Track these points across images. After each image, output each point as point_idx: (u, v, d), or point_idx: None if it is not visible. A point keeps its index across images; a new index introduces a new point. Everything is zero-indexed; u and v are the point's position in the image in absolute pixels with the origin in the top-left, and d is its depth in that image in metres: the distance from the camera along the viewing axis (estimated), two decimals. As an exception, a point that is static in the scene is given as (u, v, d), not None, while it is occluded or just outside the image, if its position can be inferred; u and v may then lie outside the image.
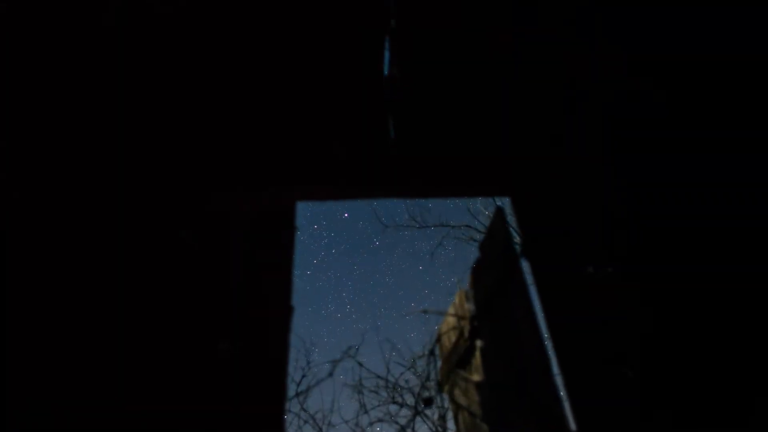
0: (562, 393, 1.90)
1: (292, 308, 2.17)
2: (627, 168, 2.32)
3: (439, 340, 2.85)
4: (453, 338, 2.68)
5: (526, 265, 2.41)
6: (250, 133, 2.34)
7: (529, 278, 2.23)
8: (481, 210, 7.52)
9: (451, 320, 2.73)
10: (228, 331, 2.02)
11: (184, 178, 2.25)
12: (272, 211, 2.28)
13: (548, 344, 2.05)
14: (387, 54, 2.59)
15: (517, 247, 2.27)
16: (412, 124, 2.40)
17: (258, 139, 2.34)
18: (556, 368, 2.04)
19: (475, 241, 7.89)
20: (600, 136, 2.40)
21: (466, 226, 7.92)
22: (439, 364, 2.82)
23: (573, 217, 2.23)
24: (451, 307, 2.78)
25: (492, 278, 2.35)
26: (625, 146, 2.35)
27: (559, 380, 1.97)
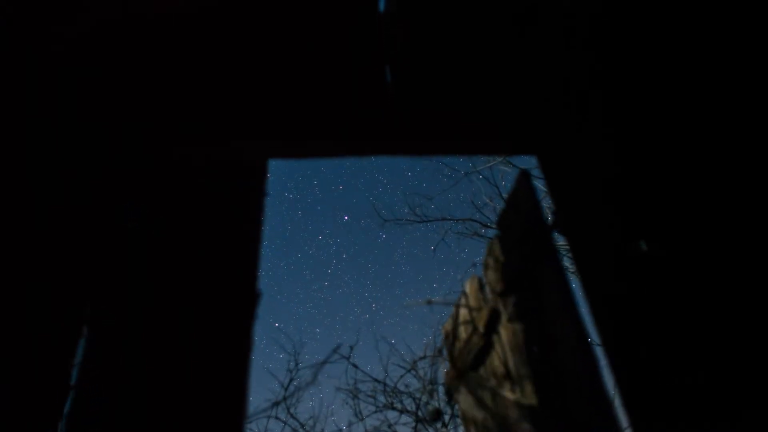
0: (613, 408, 1.41)
1: (259, 294, 1.69)
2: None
3: (446, 336, 2.36)
4: (464, 334, 2.19)
5: (559, 242, 1.93)
6: (211, 75, 1.86)
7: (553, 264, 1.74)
8: (487, 201, 7.02)
9: (462, 313, 2.24)
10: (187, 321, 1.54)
11: (127, 130, 1.77)
12: (238, 170, 1.80)
13: (592, 341, 1.56)
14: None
15: (549, 219, 1.78)
16: (413, 67, 1.92)
17: (221, 82, 1.85)
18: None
19: (479, 236, 7.39)
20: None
21: (471, 220, 7.42)
22: (447, 365, 2.33)
23: (618, 180, 1.74)
24: (462, 297, 2.29)
25: (515, 259, 1.86)
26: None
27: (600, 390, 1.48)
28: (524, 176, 1.90)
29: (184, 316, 1.54)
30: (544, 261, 1.71)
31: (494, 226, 7.11)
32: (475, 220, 7.22)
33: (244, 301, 1.62)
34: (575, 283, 1.86)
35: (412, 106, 1.82)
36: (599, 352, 1.52)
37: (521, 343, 1.75)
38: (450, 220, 7.35)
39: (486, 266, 2.15)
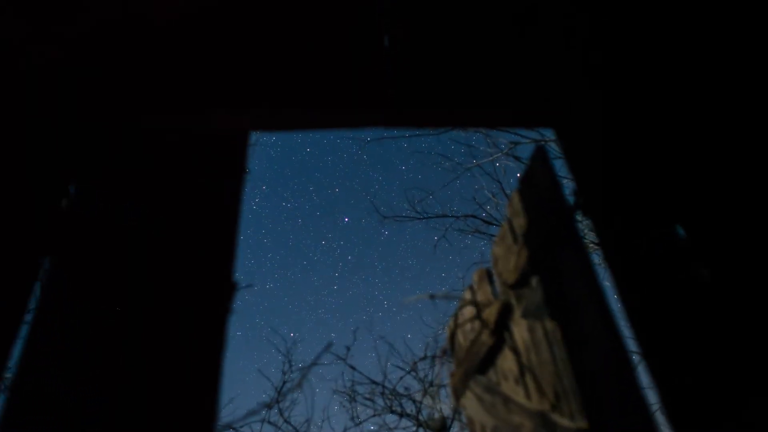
0: (652, 419, 1.19)
1: (236, 285, 1.46)
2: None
3: (452, 335, 2.14)
4: (471, 333, 1.97)
5: (582, 226, 1.71)
6: (186, 34, 1.64)
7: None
8: (489, 196, 6.78)
9: (468, 309, 2.02)
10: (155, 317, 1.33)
11: (89, 93, 1.55)
12: (215, 143, 1.58)
13: (625, 340, 1.33)
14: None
15: (569, 200, 1.56)
16: (413, 29, 1.69)
17: (197, 42, 1.63)
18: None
19: (480, 233, 7.17)
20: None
21: (472, 216, 7.19)
22: (452, 367, 2.11)
23: (651, 155, 1.52)
24: (467, 291, 2.07)
25: (531, 246, 1.63)
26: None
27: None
28: (540, 152, 1.68)
29: (147, 306, 1.32)
30: (565, 247, 1.48)
31: (496, 222, 6.87)
32: (477, 217, 6.98)
33: (219, 291, 1.40)
34: (600, 272, 1.63)
35: (412, 71, 1.59)
36: (634, 352, 1.30)
37: (539, 342, 1.53)
38: (451, 217, 7.10)
39: (495, 256, 1.93)
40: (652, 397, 1.29)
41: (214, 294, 1.38)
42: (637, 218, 1.44)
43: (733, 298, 1.33)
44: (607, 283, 1.54)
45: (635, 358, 1.29)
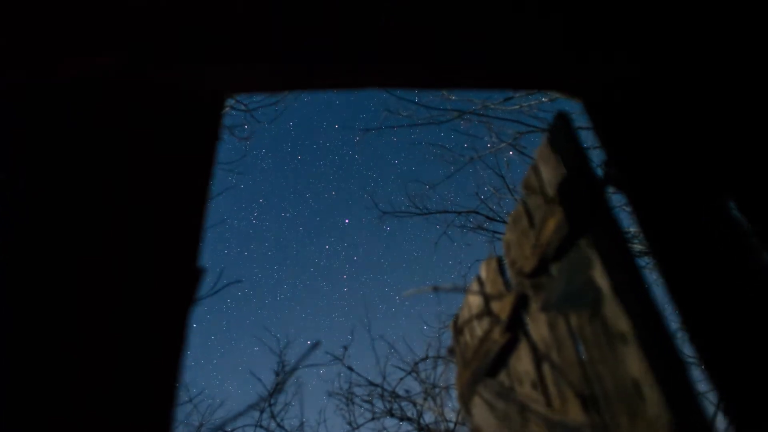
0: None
1: (201, 270, 1.24)
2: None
3: (458, 333, 1.90)
4: (479, 330, 1.73)
5: (614, 201, 1.48)
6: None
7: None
8: (492, 191, 6.54)
9: (476, 303, 1.79)
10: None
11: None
12: (184, 104, 1.35)
13: (673, 337, 1.10)
14: None
15: (599, 171, 1.33)
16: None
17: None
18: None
19: (483, 230, 6.92)
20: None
21: (474, 212, 6.96)
22: (458, 369, 1.87)
23: (696, 115, 1.29)
24: (475, 283, 1.83)
25: (552, 227, 1.40)
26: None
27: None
28: (562, 120, 1.45)
29: (95, 296, 1.08)
30: (595, 227, 1.25)
31: (499, 219, 6.63)
32: (479, 213, 6.73)
33: (180, 278, 1.17)
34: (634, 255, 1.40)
35: (414, 22, 1.36)
36: (685, 350, 1.07)
37: (562, 339, 1.30)
38: (452, 212, 6.85)
39: (507, 243, 1.70)
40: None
41: (176, 279, 1.16)
42: (683, 192, 1.21)
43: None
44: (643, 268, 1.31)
45: (688, 358, 1.06)
